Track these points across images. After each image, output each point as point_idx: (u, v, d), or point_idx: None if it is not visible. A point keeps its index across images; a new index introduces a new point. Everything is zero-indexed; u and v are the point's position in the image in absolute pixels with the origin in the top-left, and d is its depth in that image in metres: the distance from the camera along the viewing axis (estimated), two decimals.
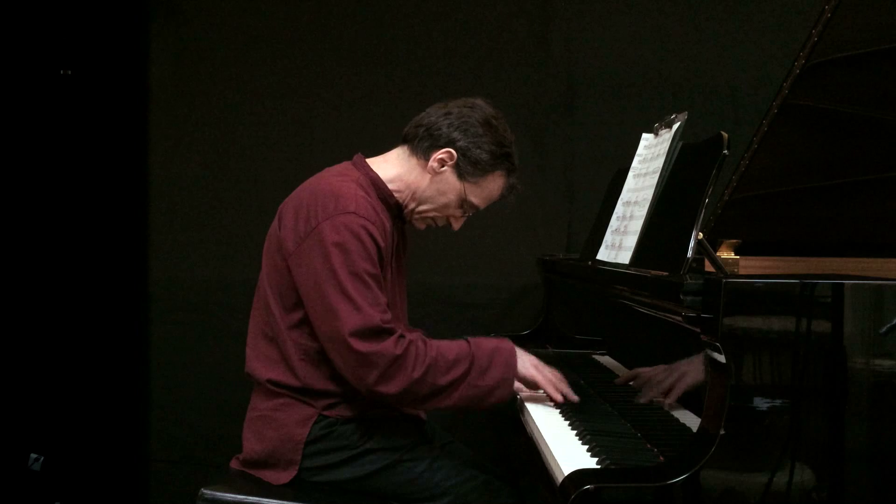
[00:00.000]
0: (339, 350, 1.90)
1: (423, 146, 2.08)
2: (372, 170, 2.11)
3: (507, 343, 2.02)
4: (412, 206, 2.13)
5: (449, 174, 2.08)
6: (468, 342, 1.98)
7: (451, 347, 1.95)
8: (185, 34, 3.36)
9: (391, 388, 1.89)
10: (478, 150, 2.05)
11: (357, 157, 2.15)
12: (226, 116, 3.36)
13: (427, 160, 2.08)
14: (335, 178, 2.06)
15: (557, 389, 2.00)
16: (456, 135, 2.06)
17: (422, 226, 2.19)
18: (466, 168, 2.06)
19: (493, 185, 2.11)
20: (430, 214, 2.15)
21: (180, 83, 3.37)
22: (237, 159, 3.35)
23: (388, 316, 1.92)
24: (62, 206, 3.19)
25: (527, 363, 2.01)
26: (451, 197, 2.10)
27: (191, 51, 3.36)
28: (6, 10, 3.08)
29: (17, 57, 3.11)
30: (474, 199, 2.11)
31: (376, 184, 2.09)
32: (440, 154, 2.06)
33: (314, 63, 3.31)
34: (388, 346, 1.88)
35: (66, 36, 3.15)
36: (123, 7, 3.31)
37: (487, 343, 2.00)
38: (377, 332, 1.88)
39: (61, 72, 3.15)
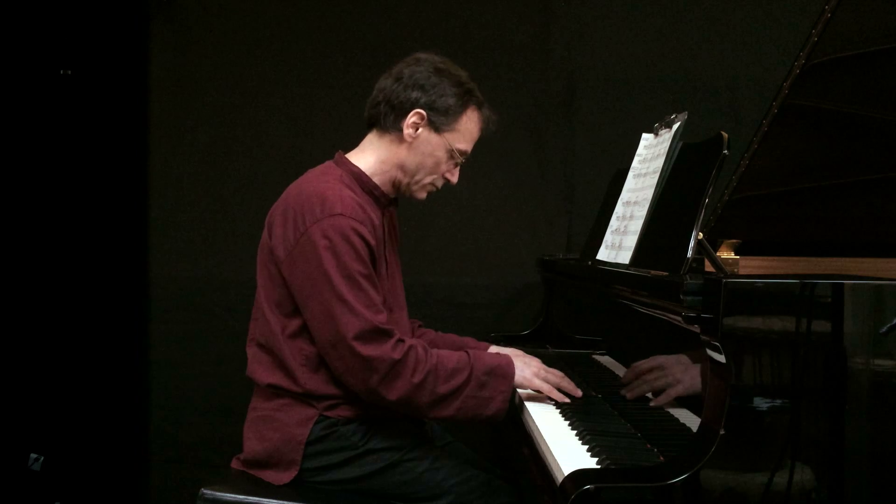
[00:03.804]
0: (341, 354, 1.90)
1: (389, 121, 2.06)
2: (353, 164, 2.09)
3: (504, 357, 2.03)
4: (406, 180, 2.11)
5: (426, 134, 2.05)
6: (467, 353, 1.98)
7: (450, 357, 1.95)
8: (185, 34, 3.36)
9: (392, 393, 1.89)
10: (442, 99, 2.03)
11: (338, 155, 2.13)
12: (226, 116, 3.36)
13: (400, 131, 2.05)
14: (318, 179, 2.04)
15: (560, 388, 2.02)
16: (415, 94, 2.03)
17: (422, 195, 2.15)
18: (440, 120, 2.04)
19: (471, 123, 2.09)
20: (427, 180, 2.11)
21: (180, 83, 3.37)
22: (237, 159, 3.36)
23: (384, 317, 1.91)
24: (62, 205, 3.19)
25: (526, 373, 2.01)
26: (440, 154, 2.07)
27: (191, 51, 3.36)
28: (6, 10, 3.08)
29: (17, 57, 3.11)
30: (461, 146, 2.08)
31: (360, 178, 2.08)
32: (410, 119, 2.04)
33: (314, 63, 3.31)
34: (386, 349, 1.88)
35: (66, 36, 3.15)
36: (123, 7, 3.31)
37: (486, 356, 2.01)
38: (375, 335, 1.88)
39: (61, 72, 3.15)
